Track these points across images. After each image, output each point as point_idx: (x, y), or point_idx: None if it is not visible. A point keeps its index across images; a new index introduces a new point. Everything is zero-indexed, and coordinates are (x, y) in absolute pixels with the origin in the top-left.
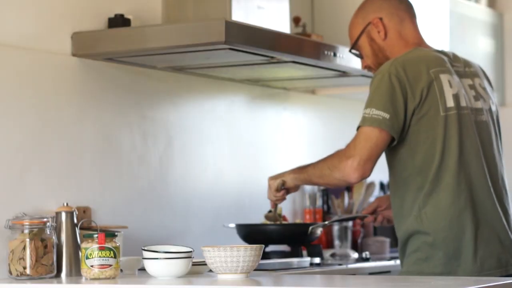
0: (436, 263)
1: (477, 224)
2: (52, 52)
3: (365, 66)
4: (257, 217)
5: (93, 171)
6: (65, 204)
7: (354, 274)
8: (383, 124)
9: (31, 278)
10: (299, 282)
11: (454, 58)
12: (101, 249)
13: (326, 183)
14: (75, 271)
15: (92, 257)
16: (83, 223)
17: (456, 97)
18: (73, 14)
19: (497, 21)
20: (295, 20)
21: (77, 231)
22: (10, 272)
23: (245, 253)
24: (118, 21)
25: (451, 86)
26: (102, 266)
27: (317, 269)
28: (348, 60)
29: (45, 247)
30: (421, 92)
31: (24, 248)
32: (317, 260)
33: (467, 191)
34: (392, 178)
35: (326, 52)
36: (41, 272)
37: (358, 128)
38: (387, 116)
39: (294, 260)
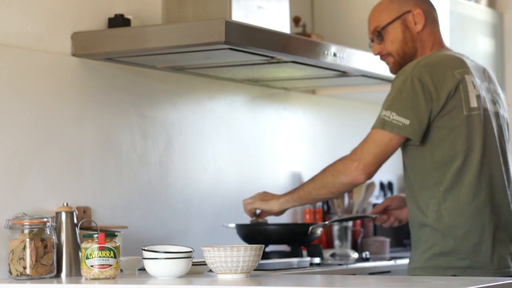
0: (455, 258)
1: (495, 222)
2: (52, 52)
3: (378, 52)
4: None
5: (93, 171)
6: (65, 204)
7: (354, 274)
8: (402, 131)
9: (31, 278)
10: (299, 282)
11: (475, 63)
12: (101, 249)
13: (329, 191)
14: (75, 271)
15: (92, 257)
16: (83, 223)
17: (479, 98)
18: (73, 14)
19: (497, 21)
20: (295, 20)
21: (77, 231)
22: (10, 272)
23: (245, 253)
24: (118, 21)
25: (474, 87)
26: (102, 266)
27: (317, 269)
28: (348, 60)
29: (45, 247)
30: (447, 94)
31: (24, 248)
32: (317, 260)
33: (487, 189)
34: (408, 173)
35: (326, 52)
36: (41, 272)
37: (372, 128)
38: (407, 122)
39: (294, 260)
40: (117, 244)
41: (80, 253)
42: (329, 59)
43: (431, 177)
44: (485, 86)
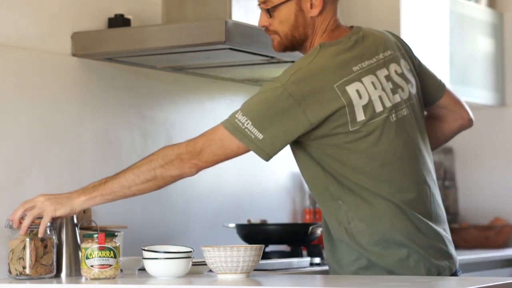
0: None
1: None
2: (52, 52)
3: (263, 26)
4: (257, 217)
5: (93, 171)
6: None
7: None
8: (251, 145)
9: (30, 278)
10: (299, 282)
11: (367, 46)
12: (101, 249)
13: (156, 185)
14: (75, 271)
15: (92, 257)
16: (83, 223)
17: (367, 106)
18: (73, 14)
19: (497, 21)
20: None
21: (77, 231)
22: (10, 272)
23: (245, 253)
24: (118, 21)
25: (360, 96)
26: (102, 266)
27: (317, 269)
28: None
29: (45, 247)
30: (325, 116)
31: (24, 247)
32: (317, 260)
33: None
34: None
35: None
36: (41, 272)
37: (220, 124)
38: (260, 136)
39: (294, 260)
40: (117, 244)
41: (80, 253)
42: None
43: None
44: (384, 75)
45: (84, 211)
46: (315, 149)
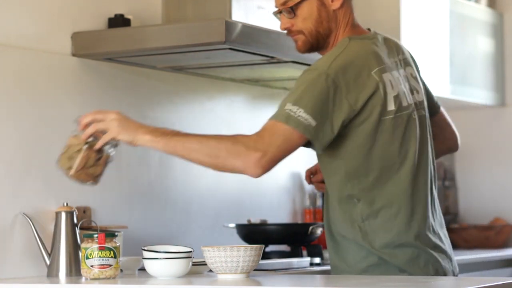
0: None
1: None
2: (52, 52)
3: (286, 28)
4: (257, 217)
5: None
6: (65, 204)
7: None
8: (307, 132)
9: (71, 178)
10: (299, 282)
11: (388, 46)
12: (101, 249)
13: (213, 164)
14: (75, 271)
15: (92, 257)
16: (83, 223)
17: (397, 98)
18: (73, 14)
19: (497, 21)
20: None
21: (77, 231)
22: (58, 162)
23: (245, 253)
24: (118, 21)
25: (392, 87)
26: (102, 266)
27: (317, 269)
28: None
29: (98, 159)
30: (364, 101)
31: (79, 150)
32: (317, 260)
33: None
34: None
35: None
36: (82, 178)
37: (272, 119)
38: (313, 123)
39: (294, 260)
40: (117, 244)
41: (80, 253)
42: None
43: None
44: (404, 75)
45: (84, 211)
46: (347, 139)
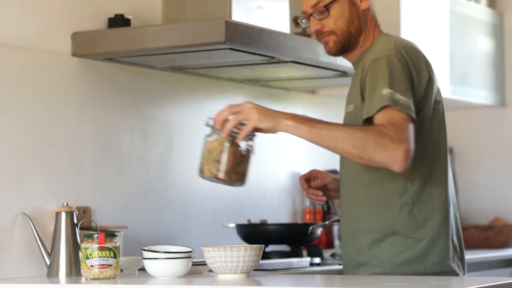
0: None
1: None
2: (52, 52)
3: (317, 30)
4: (257, 217)
5: (93, 171)
6: (65, 204)
7: (354, 274)
8: (412, 112)
9: (223, 183)
10: (299, 282)
11: None
12: (101, 249)
13: (359, 156)
14: (75, 271)
15: (92, 257)
16: (83, 223)
17: (438, 90)
18: (73, 14)
19: (497, 21)
20: (295, 20)
21: (77, 231)
22: (202, 172)
23: (245, 253)
24: (118, 21)
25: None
26: (102, 266)
27: (317, 269)
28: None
29: (241, 155)
30: (425, 84)
31: (222, 151)
32: (317, 260)
33: (450, 186)
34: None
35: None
36: (234, 179)
37: (380, 106)
38: (410, 104)
39: (294, 260)
40: (117, 244)
41: (80, 253)
42: (329, 59)
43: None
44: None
45: (84, 211)
46: None
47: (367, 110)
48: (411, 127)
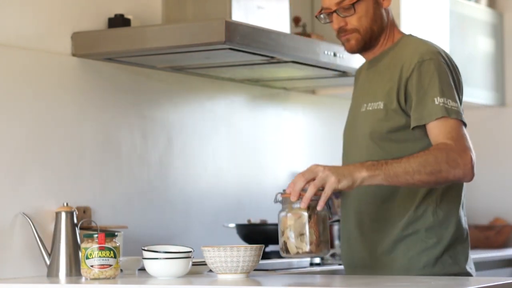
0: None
1: None
2: (52, 52)
3: (340, 27)
4: (257, 217)
5: (93, 171)
6: (65, 204)
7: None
8: (462, 116)
9: (312, 256)
10: (299, 282)
11: None
12: (101, 249)
13: (436, 181)
14: (75, 271)
15: (92, 257)
16: (83, 223)
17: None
18: (73, 14)
19: (497, 21)
20: (295, 20)
21: (77, 231)
22: (286, 251)
23: (245, 253)
24: (118, 21)
25: None
26: (102, 266)
27: (317, 269)
28: (348, 60)
29: (323, 222)
30: (460, 87)
31: (304, 222)
32: (317, 260)
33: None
34: None
35: (326, 52)
36: (322, 248)
37: (435, 116)
38: (460, 108)
39: (294, 260)
40: (117, 244)
41: (80, 253)
42: (329, 59)
43: None
44: None
45: (84, 211)
46: None
47: (418, 118)
48: (466, 133)
